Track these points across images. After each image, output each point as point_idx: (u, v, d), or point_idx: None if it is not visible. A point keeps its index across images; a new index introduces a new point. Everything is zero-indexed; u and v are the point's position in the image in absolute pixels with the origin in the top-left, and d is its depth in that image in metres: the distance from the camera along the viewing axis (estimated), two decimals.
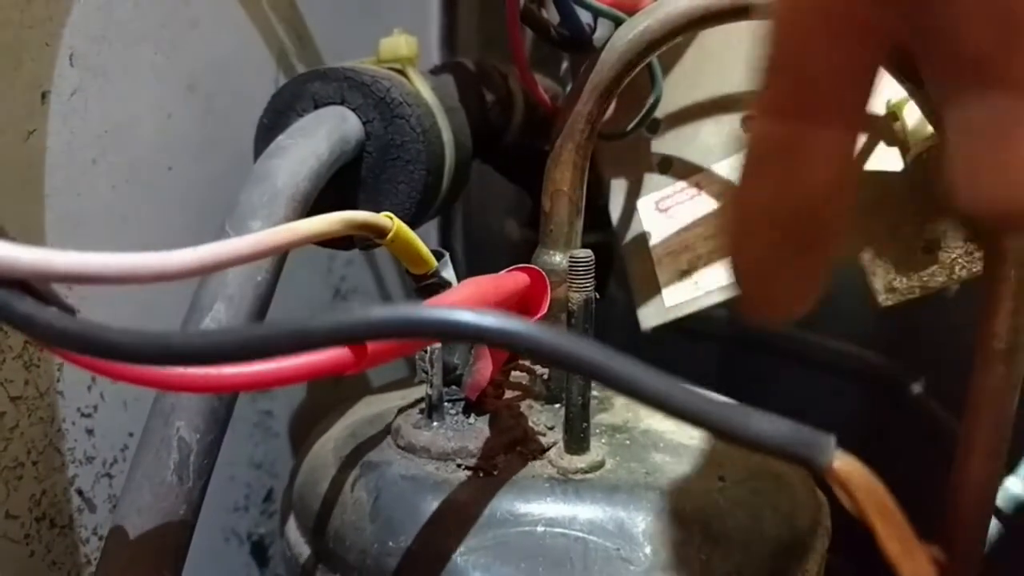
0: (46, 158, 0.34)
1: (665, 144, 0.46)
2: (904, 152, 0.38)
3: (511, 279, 0.30)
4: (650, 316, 0.45)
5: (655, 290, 0.45)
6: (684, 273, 0.44)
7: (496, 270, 0.33)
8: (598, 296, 0.34)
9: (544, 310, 0.32)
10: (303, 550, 0.36)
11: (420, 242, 0.33)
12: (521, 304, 0.31)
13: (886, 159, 0.38)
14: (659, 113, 0.45)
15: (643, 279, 0.46)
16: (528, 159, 0.52)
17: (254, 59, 0.44)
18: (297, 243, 0.26)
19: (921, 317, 0.57)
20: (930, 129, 0.36)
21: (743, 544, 0.33)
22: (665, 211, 0.45)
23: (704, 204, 0.44)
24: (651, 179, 0.46)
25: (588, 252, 0.33)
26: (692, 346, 0.68)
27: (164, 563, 0.28)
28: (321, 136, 0.35)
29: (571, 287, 0.33)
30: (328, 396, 0.54)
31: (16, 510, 0.34)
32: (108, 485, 0.39)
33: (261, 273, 0.31)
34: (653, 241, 0.45)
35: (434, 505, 0.33)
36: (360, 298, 0.56)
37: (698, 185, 0.45)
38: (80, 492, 0.37)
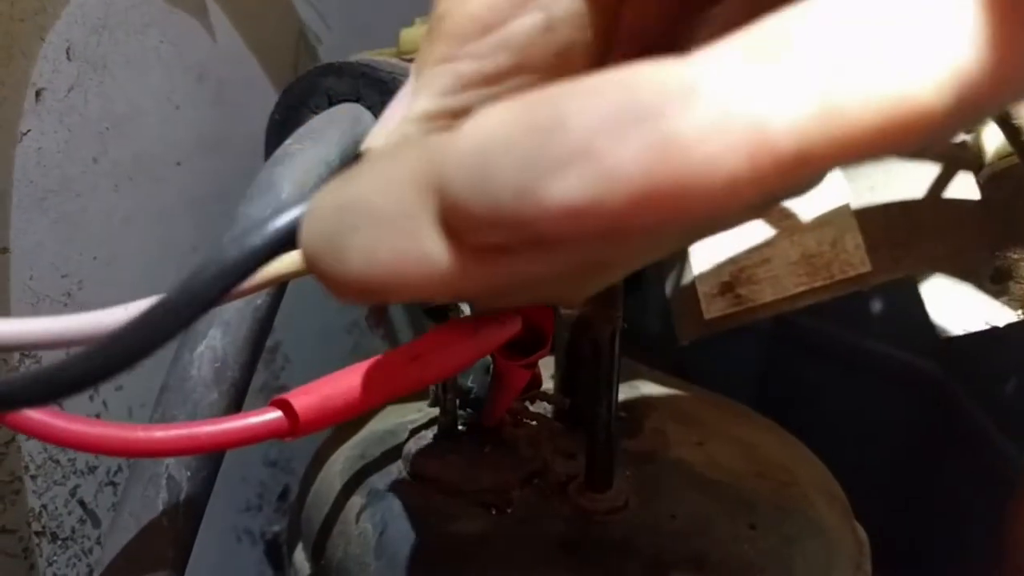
0: (42, 158, 0.32)
1: None
2: (977, 170, 0.34)
3: (495, 331, 0.26)
4: (688, 329, 0.42)
5: (694, 302, 0.42)
6: (726, 285, 0.41)
7: None
8: (626, 325, 0.31)
9: (548, 345, 0.29)
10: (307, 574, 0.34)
11: None
12: (524, 336, 0.28)
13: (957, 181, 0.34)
14: None
15: (681, 290, 0.43)
16: None
17: (270, 46, 0.42)
18: (257, 289, 0.24)
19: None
20: (1008, 147, 0.32)
21: None
22: None
23: None
24: None
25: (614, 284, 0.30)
26: (734, 343, 0.64)
27: None
28: (332, 139, 0.32)
29: (595, 317, 0.30)
30: None
31: (13, 524, 0.33)
32: (112, 494, 0.37)
33: (261, 296, 0.29)
34: (693, 251, 0.42)
35: (441, 543, 0.31)
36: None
37: None
38: (82, 503, 0.36)
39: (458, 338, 0.25)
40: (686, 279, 0.42)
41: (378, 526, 0.32)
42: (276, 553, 0.47)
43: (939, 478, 0.58)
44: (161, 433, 0.21)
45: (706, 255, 0.41)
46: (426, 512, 0.32)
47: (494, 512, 0.32)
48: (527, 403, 0.35)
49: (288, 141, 0.32)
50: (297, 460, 0.49)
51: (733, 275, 0.41)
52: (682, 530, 0.31)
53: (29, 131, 0.31)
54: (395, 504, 0.33)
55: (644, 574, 0.30)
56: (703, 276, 0.42)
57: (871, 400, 0.60)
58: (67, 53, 0.32)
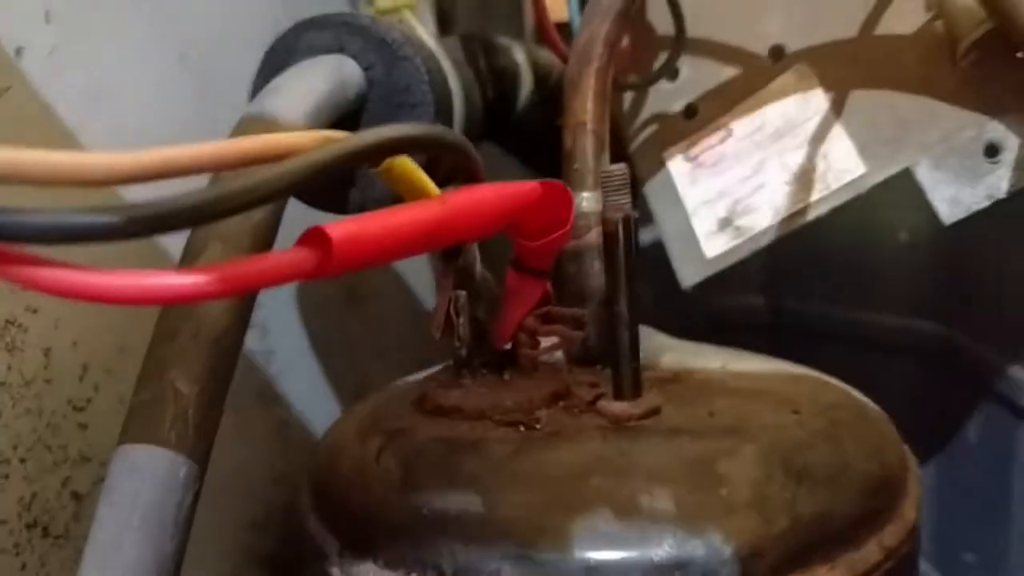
0: (23, 120, 0.31)
1: (687, 89, 0.43)
2: (954, 47, 0.34)
3: (514, 187, 0.26)
4: (691, 272, 0.42)
5: (693, 244, 0.42)
6: (723, 221, 0.41)
7: None
8: (636, 215, 0.30)
9: (569, 225, 0.28)
10: (327, 542, 0.32)
11: (422, 172, 0.28)
12: (544, 217, 0.28)
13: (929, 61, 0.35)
14: None
15: (679, 234, 0.42)
16: (541, 136, 0.49)
17: (252, 29, 0.42)
18: (269, 157, 0.23)
19: (977, 278, 0.53)
20: (981, 13, 0.33)
21: (830, 479, 0.28)
22: (695, 159, 0.42)
23: (735, 145, 0.41)
24: (676, 128, 0.43)
25: (622, 165, 0.30)
26: (735, 339, 0.64)
27: None
28: (319, 76, 0.32)
29: (606, 206, 0.30)
30: (347, 403, 0.50)
31: (3, 514, 0.30)
32: None
33: (259, 212, 0.28)
34: (685, 192, 0.42)
35: (473, 465, 0.29)
36: (375, 296, 0.52)
37: (727, 127, 0.42)
38: (76, 495, 0.33)
39: (483, 190, 0.25)
40: (680, 222, 0.42)
41: (401, 461, 0.30)
42: (284, 572, 0.44)
43: (962, 443, 0.56)
44: (186, 278, 0.20)
45: (698, 193, 0.41)
46: (451, 440, 0.30)
47: (523, 430, 0.30)
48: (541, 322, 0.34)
49: (274, 80, 0.32)
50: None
51: (729, 208, 0.41)
52: (724, 424, 0.30)
53: (9, 88, 0.31)
54: (417, 438, 0.30)
55: (692, 463, 0.28)
56: (699, 215, 0.41)
57: (881, 373, 0.59)
58: (46, 16, 0.32)
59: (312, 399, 0.48)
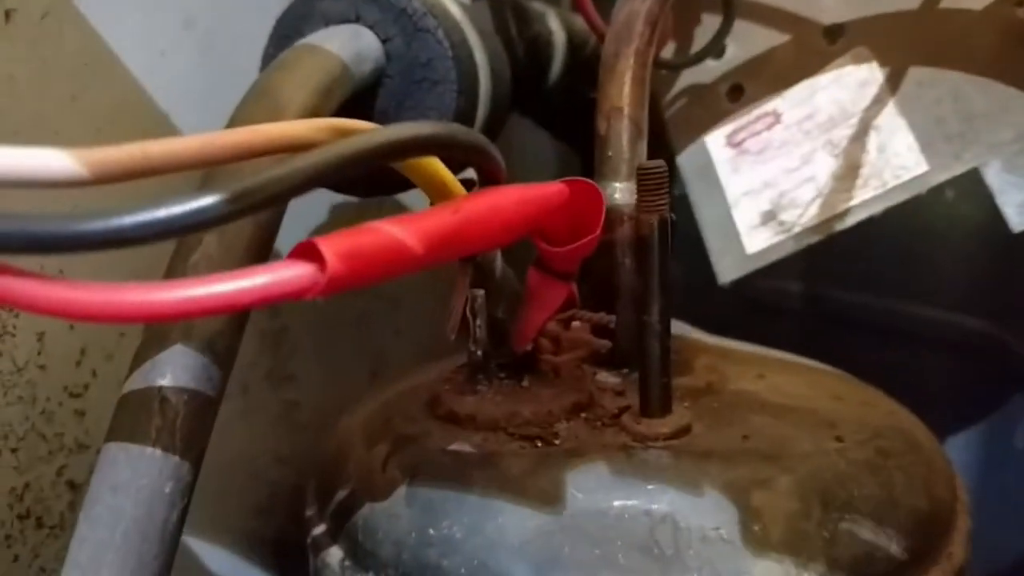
0: (14, 88, 0.29)
1: (733, 68, 0.39)
2: None
3: (537, 189, 0.24)
4: (729, 267, 0.39)
5: (733, 237, 0.39)
6: (767, 214, 0.38)
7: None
8: (674, 217, 0.27)
9: (599, 228, 0.25)
10: (329, 547, 0.30)
11: (443, 167, 0.26)
12: (570, 220, 0.25)
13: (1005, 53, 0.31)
14: None
15: (718, 226, 0.39)
16: (574, 109, 0.46)
17: None
18: (260, 149, 0.20)
19: None
20: None
21: (873, 516, 0.26)
22: (738, 145, 0.39)
23: (783, 132, 0.38)
24: (720, 110, 0.40)
25: (660, 162, 0.27)
26: (771, 325, 0.61)
27: None
28: (332, 49, 0.30)
29: (642, 206, 0.27)
30: (360, 384, 0.48)
31: None
32: None
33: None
34: (727, 181, 0.39)
35: (483, 482, 0.27)
36: (385, 302, 0.50)
37: (775, 112, 0.38)
38: (71, 485, 0.32)
39: (501, 195, 0.22)
40: (720, 212, 0.39)
41: (407, 471, 0.28)
42: (293, 562, 0.43)
43: (1001, 443, 0.53)
44: (168, 294, 0.17)
45: (741, 182, 0.38)
46: (462, 452, 0.28)
47: (540, 445, 0.28)
48: (564, 327, 0.31)
49: (284, 53, 0.30)
50: (311, 458, 0.45)
51: (773, 201, 0.38)
52: (759, 449, 0.27)
53: None
54: (426, 447, 0.29)
55: (722, 493, 0.26)
56: (740, 207, 0.38)
57: (925, 368, 0.56)
58: None
59: (324, 379, 0.46)
